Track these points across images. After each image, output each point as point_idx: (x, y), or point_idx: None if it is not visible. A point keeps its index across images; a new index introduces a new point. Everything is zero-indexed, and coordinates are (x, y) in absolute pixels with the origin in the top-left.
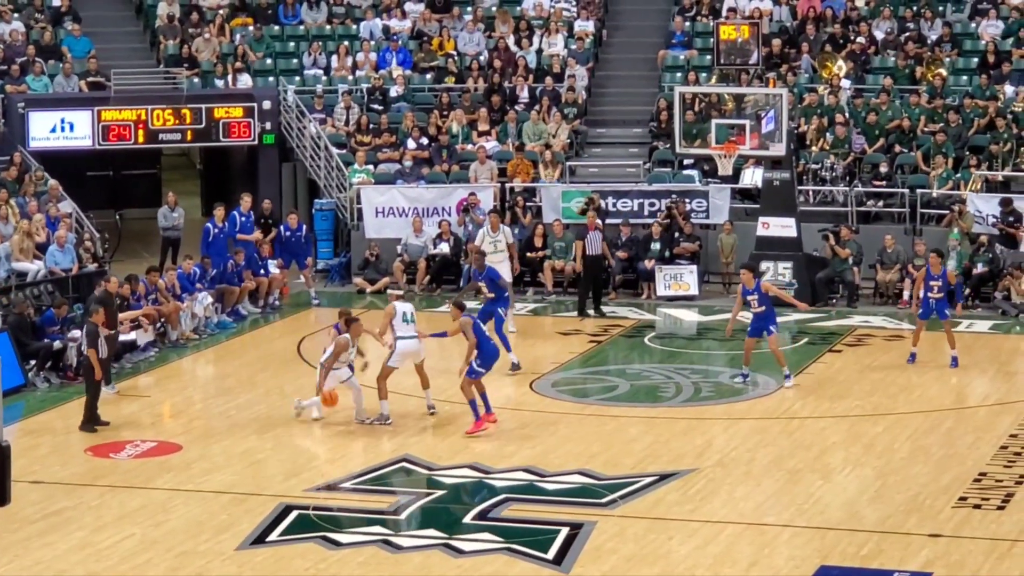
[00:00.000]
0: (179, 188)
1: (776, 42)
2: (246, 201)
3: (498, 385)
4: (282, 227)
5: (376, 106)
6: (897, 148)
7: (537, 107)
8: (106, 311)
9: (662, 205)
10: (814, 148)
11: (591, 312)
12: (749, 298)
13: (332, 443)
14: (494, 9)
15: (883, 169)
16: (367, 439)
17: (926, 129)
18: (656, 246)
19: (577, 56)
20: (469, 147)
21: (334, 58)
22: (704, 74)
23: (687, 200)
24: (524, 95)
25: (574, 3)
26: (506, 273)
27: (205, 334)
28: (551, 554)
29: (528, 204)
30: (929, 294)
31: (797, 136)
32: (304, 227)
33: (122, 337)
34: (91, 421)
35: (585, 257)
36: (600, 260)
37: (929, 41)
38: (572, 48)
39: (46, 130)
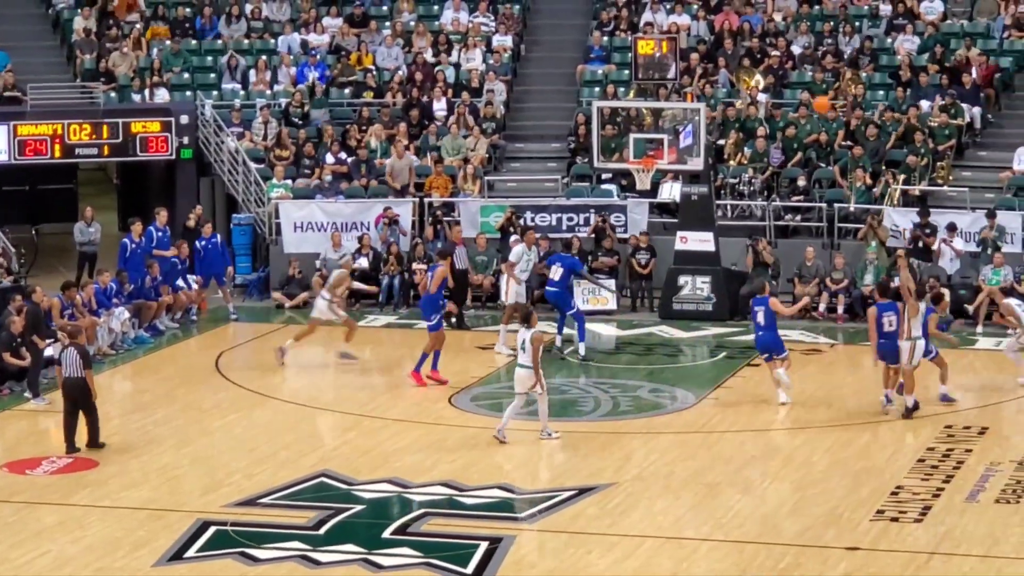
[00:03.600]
0: (96, 203)
1: (694, 56)
2: (162, 216)
3: (417, 399)
4: (198, 241)
5: (296, 120)
6: (814, 161)
7: (454, 119)
8: (36, 321)
9: (581, 220)
10: (732, 162)
11: (469, 325)
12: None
13: (250, 458)
14: (412, 24)
15: (801, 183)
16: (286, 454)
17: (843, 143)
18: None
19: (496, 70)
20: (387, 161)
21: (252, 72)
22: (622, 89)
23: (604, 214)
24: (442, 110)
25: (492, 18)
26: (522, 292)
27: (122, 349)
28: (470, 568)
29: (447, 219)
30: None
31: (715, 150)
32: (219, 236)
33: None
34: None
35: (455, 272)
36: (465, 275)
37: (846, 56)
38: (490, 63)
39: None
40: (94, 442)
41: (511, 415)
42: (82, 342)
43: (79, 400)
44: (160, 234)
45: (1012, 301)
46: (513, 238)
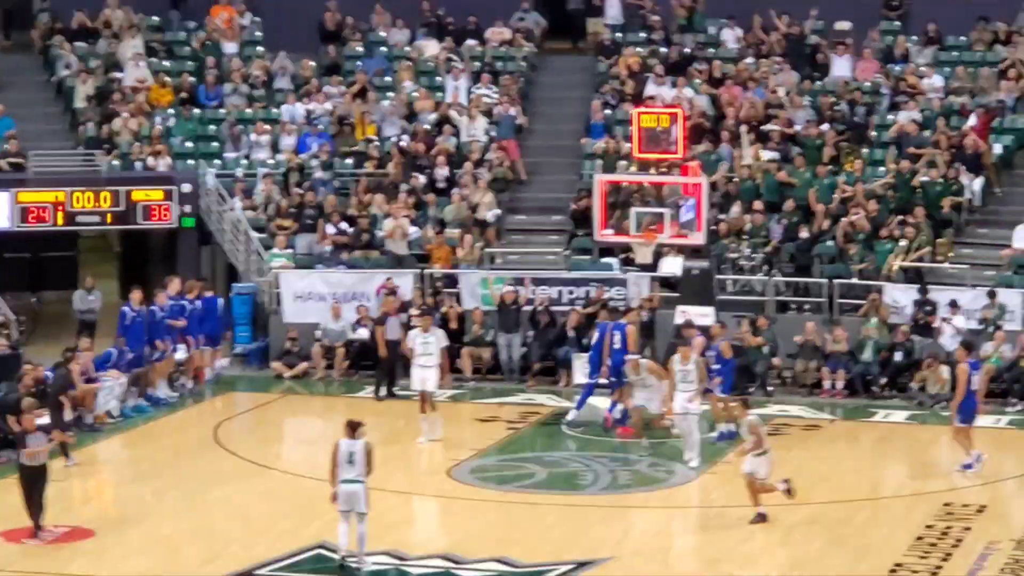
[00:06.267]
0: (97, 270)
1: (696, 130)
2: (174, 284)
3: (416, 471)
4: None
5: (298, 189)
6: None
7: (456, 192)
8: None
9: (582, 292)
10: (732, 237)
11: (383, 395)
12: None
13: (249, 529)
14: (415, 94)
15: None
16: (285, 525)
17: (846, 217)
18: (573, 334)
19: (498, 140)
20: (386, 223)
21: (254, 141)
22: (624, 162)
23: (605, 288)
24: (444, 179)
25: (494, 89)
26: (432, 381)
27: (120, 418)
28: None
29: (447, 290)
30: None
31: (716, 224)
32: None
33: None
34: None
35: (387, 342)
36: (397, 345)
37: (847, 130)
38: (493, 135)
39: None
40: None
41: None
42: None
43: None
44: (171, 303)
45: (754, 419)
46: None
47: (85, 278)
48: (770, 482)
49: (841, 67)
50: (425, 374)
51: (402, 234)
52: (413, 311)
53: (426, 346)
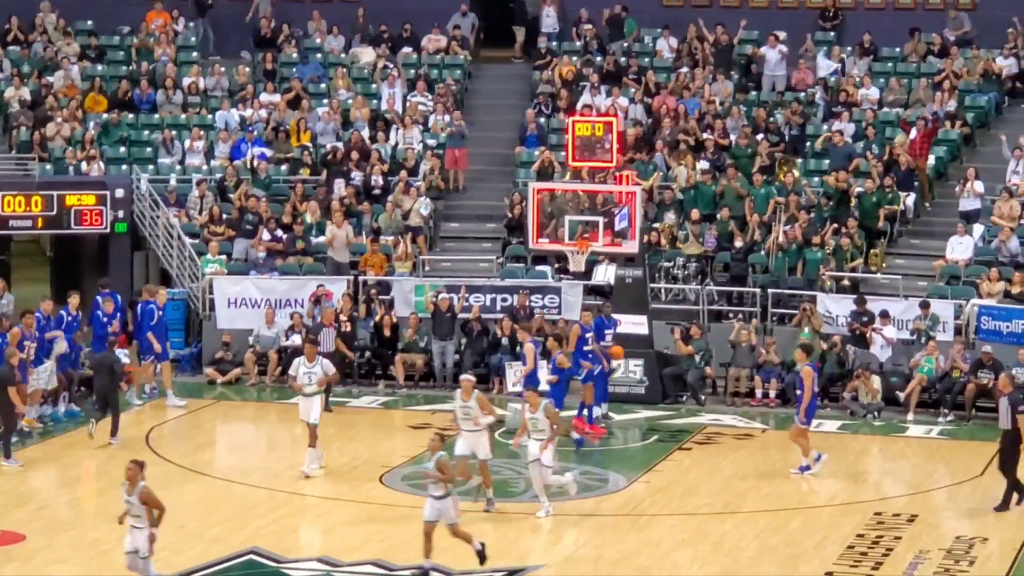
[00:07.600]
0: (29, 275)
1: (630, 139)
2: (162, 294)
3: (348, 478)
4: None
5: (236, 196)
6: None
7: (391, 199)
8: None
9: (515, 301)
10: (666, 245)
11: (331, 409)
12: None
13: (180, 534)
14: (350, 102)
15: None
16: (216, 531)
17: (778, 226)
18: (506, 341)
19: (433, 149)
20: (321, 239)
21: (189, 147)
22: (557, 173)
23: (538, 295)
24: (379, 187)
25: (429, 97)
26: (315, 413)
27: (52, 423)
28: None
29: (381, 297)
30: None
31: (649, 233)
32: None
33: None
34: None
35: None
36: (333, 356)
37: (786, 139)
38: (428, 142)
39: None
40: None
41: None
42: None
43: None
44: (161, 313)
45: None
46: None
47: None
48: (463, 528)
49: (773, 64)
50: (310, 405)
51: (344, 242)
52: (343, 318)
53: (310, 376)
